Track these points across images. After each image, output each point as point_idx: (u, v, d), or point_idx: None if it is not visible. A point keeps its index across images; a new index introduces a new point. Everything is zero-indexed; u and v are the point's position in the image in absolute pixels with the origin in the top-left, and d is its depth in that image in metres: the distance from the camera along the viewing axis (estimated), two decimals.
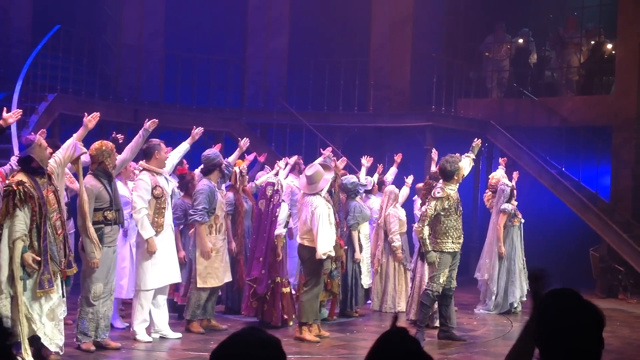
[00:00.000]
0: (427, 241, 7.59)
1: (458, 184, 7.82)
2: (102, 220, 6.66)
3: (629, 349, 7.95)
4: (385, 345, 2.09)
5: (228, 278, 7.91)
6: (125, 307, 8.16)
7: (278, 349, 1.98)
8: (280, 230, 7.96)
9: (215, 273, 7.71)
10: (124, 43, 13.20)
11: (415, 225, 8.04)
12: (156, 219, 7.20)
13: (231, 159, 8.43)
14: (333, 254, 7.43)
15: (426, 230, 7.60)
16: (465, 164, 8.12)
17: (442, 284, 7.65)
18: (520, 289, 9.66)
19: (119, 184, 7.40)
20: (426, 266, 8.09)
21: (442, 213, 7.64)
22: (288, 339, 7.55)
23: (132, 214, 7.27)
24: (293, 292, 8.27)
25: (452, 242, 7.68)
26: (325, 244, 7.32)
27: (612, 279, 11.64)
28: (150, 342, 7.17)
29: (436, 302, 7.87)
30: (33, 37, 12.00)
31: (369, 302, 9.65)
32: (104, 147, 6.76)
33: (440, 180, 7.77)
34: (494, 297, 9.67)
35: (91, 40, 12.07)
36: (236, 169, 8.58)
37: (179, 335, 7.46)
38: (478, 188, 13.18)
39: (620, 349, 7.89)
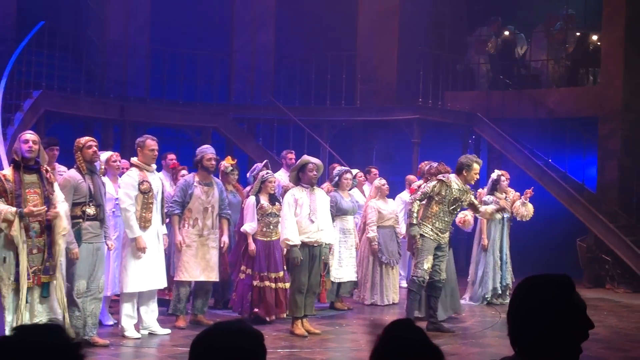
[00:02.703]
0: (415, 214, 7.64)
1: (466, 185, 7.74)
2: (80, 215, 6.60)
3: (616, 338, 8.01)
4: (391, 334, 2.13)
5: (206, 277, 7.80)
6: (114, 304, 8.13)
7: (259, 342, 2.01)
8: (245, 226, 8.02)
9: (185, 267, 7.69)
10: (109, 39, 13.13)
11: (409, 197, 8.03)
12: (144, 214, 7.18)
13: None
14: (292, 243, 7.39)
15: (416, 205, 7.65)
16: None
17: (427, 270, 7.65)
18: (492, 281, 9.69)
19: (107, 181, 7.36)
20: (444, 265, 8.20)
21: (436, 198, 7.66)
22: (277, 333, 7.57)
23: (113, 211, 7.25)
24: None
25: (432, 229, 7.67)
26: (287, 232, 7.38)
27: (599, 269, 11.73)
28: (138, 338, 7.16)
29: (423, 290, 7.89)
30: (17, 34, 11.91)
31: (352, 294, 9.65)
32: (78, 142, 6.72)
33: (453, 173, 7.78)
34: (473, 288, 9.79)
35: (76, 36, 12.00)
36: (224, 163, 8.65)
37: (168, 331, 7.45)
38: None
39: (608, 338, 7.95)
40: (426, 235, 7.66)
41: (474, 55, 13.97)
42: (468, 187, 7.85)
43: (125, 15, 13.66)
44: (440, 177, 7.68)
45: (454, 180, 7.68)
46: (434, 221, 7.67)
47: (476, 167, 7.75)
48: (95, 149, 6.72)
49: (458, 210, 7.91)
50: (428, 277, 7.69)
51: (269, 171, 8.50)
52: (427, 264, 7.65)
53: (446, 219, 7.74)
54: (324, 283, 8.82)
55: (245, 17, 14.55)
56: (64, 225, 6.05)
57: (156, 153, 7.40)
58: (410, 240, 7.92)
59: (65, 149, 10.60)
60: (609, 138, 12.21)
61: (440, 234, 7.70)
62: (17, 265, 5.86)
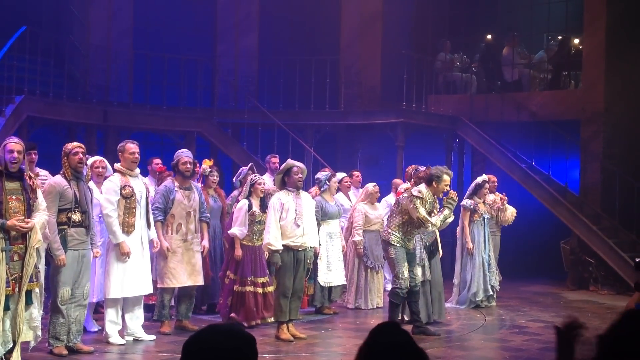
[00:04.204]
0: (437, 221, 7.57)
1: (434, 197, 7.73)
2: (65, 222, 6.55)
3: None
4: (376, 337, 2.14)
5: (193, 282, 7.78)
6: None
7: (251, 344, 2.01)
8: (234, 229, 8.00)
9: (172, 273, 7.65)
10: (92, 43, 13.06)
11: (429, 227, 7.74)
12: (126, 219, 7.14)
13: None
14: (274, 248, 7.38)
15: (434, 219, 7.57)
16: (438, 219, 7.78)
17: (407, 279, 7.66)
18: (477, 283, 9.72)
19: (93, 187, 7.31)
20: (419, 271, 8.22)
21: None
22: (263, 338, 7.55)
23: (100, 217, 7.20)
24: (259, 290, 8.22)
25: (401, 238, 7.67)
26: (270, 237, 7.38)
27: (582, 270, 11.80)
28: (123, 344, 7.11)
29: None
30: None
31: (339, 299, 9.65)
32: (66, 148, 6.68)
33: (423, 184, 7.77)
34: (459, 291, 9.82)
35: (58, 41, 11.92)
36: (203, 166, 8.63)
37: (153, 337, 7.40)
38: (450, 184, 13.25)
39: (592, 340, 7.97)
40: (397, 244, 7.67)
41: (447, 75, 14.06)
42: (435, 198, 7.80)
43: (107, 20, 13.60)
44: (415, 194, 7.63)
45: (425, 192, 7.64)
46: (405, 229, 7.67)
47: (446, 178, 7.69)
48: (81, 155, 6.67)
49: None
50: (408, 285, 7.69)
51: (257, 174, 8.49)
52: (406, 272, 7.66)
53: (415, 229, 7.76)
54: (306, 288, 8.81)
55: (229, 21, 14.53)
56: (38, 238, 5.98)
57: (137, 157, 7.32)
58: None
59: (48, 154, 10.53)
60: (591, 141, 12.30)
61: (407, 242, 7.73)
62: None
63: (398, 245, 7.66)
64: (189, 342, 2.04)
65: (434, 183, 7.66)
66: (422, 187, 7.70)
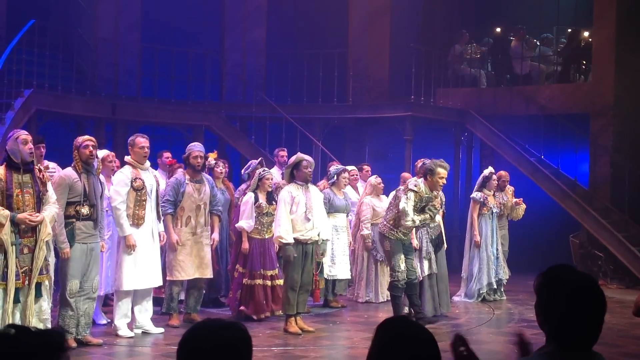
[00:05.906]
0: (417, 222, 7.52)
1: (432, 192, 7.67)
2: (73, 215, 6.56)
3: (609, 333, 8.02)
4: (383, 333, 2.14)
5: (201, 275, 7.81)
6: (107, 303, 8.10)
7: (244, 337, 2.05)
8: (241, 223, 8.00)
9: (180, 266, 7.67)
10: (100, 37, 13.07)
11: (407, 221, 7.64)
12: (137, 212, 7.15)
13: None
14: (285, 241, 7.38)
15: (415, 217, 7.51)
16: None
17: (404, 271, 7.64)
18: (487, 276, 9.71)
19: (103, 181, 7.34)
20: (426, 264, 8.16)
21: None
22: (272, 331, 7.56)
23: (106, 210, 7.23)
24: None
25: (396, 231, 7.64)
26: (281, 229, 7.36)
27: (592, 264, 11.76)
28: (132, 337, 7.14)
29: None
30: (7, 33, 11.84)
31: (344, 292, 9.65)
32: (76, 141, 6.71)
33: (422, 179, 7.74)
34: (467, 284, 9.80)
35: (66, 35, 11.93)
36: (209, 158, 8.66)
37: (162, 330, 7.42)
38: (458, 177, 13.24)
39: (601, 334, 7.94)
40: (392, 237, 7.65)
41: (458, 68, 14.00)
42: (435, 193, 7.71)
43: (116, 13, 13.61)
44: (411, 187, 7.57)
45: (422, 186, 7.59)
46: (394, 223, 7.66)
47: (441, 171, 7.58)
48: (91, 149, 6.67)
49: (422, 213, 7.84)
50: (406, 278, 7.67)
51: (266, 168, 8.48)
52: (402, 265, 7.65)
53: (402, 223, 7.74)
54: (317, 282, 8.81)
55: (237, 15, 14.52)
56: (47, 231, 6.00)
57: (147, 151, 7.34)
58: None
59: (57, 147, 10.54)
60: (601, 134, 12.24)
61: (404, 236, 7.72)
62: (7, 265, 5.82)
63: (393, 238, 7.65)
64: (184, 338, 2.05)
65: (428, 176, 7.62)
66: (420, 181, 7.67)
